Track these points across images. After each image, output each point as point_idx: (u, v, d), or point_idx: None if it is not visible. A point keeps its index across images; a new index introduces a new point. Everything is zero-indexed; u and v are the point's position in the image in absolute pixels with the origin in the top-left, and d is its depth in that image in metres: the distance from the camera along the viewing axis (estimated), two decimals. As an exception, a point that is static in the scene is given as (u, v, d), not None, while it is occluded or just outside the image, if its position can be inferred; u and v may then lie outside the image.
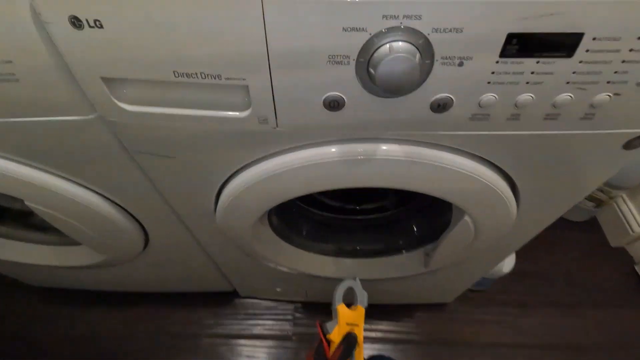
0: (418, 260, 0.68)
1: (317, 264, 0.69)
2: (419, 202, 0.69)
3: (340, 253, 0.71)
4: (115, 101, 0.36)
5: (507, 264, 0.96)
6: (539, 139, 0.38)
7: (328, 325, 0.53)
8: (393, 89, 0.30)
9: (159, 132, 0.40)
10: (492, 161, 0.42)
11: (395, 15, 0.28)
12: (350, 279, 0.55)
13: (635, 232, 1.11)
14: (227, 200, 0.48)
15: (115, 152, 0.44)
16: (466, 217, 0.49)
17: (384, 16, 0.28)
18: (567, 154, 0.41)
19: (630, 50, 0.30)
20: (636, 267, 1.12)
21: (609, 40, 0.29)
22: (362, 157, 0.40)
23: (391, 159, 0.40)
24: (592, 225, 1.23)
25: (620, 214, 1.14)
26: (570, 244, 1.19)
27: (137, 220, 0.62)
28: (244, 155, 0.43)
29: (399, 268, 0.70)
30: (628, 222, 1.12)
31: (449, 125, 0.37)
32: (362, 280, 0.73)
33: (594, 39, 0.29)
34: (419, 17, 0.28)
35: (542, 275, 1.14)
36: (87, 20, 0.29)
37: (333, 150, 0.40)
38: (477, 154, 0.41)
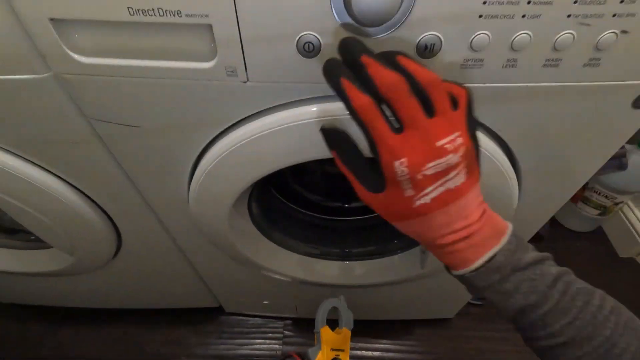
0: (413, 261, 0.62)
1: (303, 266, 0.63)
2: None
3: (329, 255, 0.65)
4: (67, 50, 0.32)
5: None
6: (540, 94, 0.34)
7: (310, 352, 0.46)
8: (370, 16, 0.27)
9: (120, 92, 0.36)
10: (488, 125, 0.38)
11: None
12: (335, 298, 0.50)
13: (645, 241, 1.05)
14: (199, 179, 0.43)
15: (74, 123, 0.40)
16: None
17: None
18: (570, 114, 0.37)
19: (638, -29, 0.26)
20: (649, 279, 1.05)
21: (612, -42, 0.26)
22: (344, 115, 0.35)
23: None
24: (598, 236, 1.17)
25: (628, 223, 1.09)
26: (577, 255, 1.13)
27: (106, 215, 0.57)
28: (214, 120, 0.38)
29: (393, 271, 0.64)
30: (636, 231, 1.07)
31: (439, 74, 0.33)
32: (355, 287, 0.67)
33: (595, -44, 0.26)
34: None
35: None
36: (28, -57, 0.26)
37: (312, 109, 0.36)
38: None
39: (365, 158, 0.30)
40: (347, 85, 0.25)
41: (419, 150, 0.25)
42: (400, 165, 0.26)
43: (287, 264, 0.61)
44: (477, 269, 0.29)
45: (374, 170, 0.28)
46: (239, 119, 0.38)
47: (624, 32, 0.30)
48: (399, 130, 0.26)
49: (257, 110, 0.37)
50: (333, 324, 0.49)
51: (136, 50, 0.33)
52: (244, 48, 0.31)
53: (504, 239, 0.29)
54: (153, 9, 0.29)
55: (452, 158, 0.26)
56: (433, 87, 0.25)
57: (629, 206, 1.10)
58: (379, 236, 0.65)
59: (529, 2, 0.28)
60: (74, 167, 0.47)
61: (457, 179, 0.27)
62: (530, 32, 0.29)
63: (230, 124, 0.39)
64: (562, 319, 0.28)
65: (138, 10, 0.29)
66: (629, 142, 1.00)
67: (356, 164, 0.30)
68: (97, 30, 0.32)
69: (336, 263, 0.64)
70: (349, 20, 0.28)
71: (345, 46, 0.26)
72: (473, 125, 0.28)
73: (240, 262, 0.61)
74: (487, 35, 0.30)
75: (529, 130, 0.39)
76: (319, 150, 0.38)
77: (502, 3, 0.28)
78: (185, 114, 0.38)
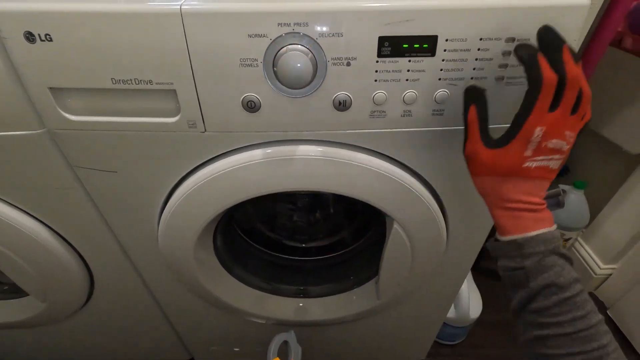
0: (370, 293, 0.68)
1: (261, 302, 0.67)
2: (367, 241, 0.72)
3: (287, 293, 0.69)
4: (61, 111, 0.41)
5: (474, 308, 0.94)
6: (435, 135, 0.44)
7: None
8: (292, 81, 0.37)
9: (101, 143, 0.44)
10: (402, 161, 0.47)
11: (287, 23, 0.35)
12: (285, 332, 0.54)
13: (599, 275, 1.12)
14: (167, 217, 0.50)
15: (60, 170, 0.48)
16: (395, 225, 0.52)
17: (279, 24, 0.35)
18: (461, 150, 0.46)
19: (479, 49, 0.37)
20: (609, 312, 1.10)
21: (458, 41, 0.37)
22: (284, 157, 0.44)
23: (310, 159, 0.44)
24: (558, 273, 1.23)
25: (581, 259, 1.17)
26: (540, 292, 1.17)
27: (80, 257, 0.61)
28: (180, 163, 0.46)
29: (351, 306, 0.69)
30: (589, 266, 1.14)
31: (354, 123, 0.42)
32: (313, 324, 0.70)
33: (446, 40, 0.37)
34: (306, 24, 0.35)
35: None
36: (39, 35, 0.36)
37: (258, 152, 0.44)
38: (389, 154, 0.46)
39: (487, 119, 0.37)
40: (542, 60, 0.32)
41: (555, 128, 0.34)
42: (540, 131, 0.33)
43: (246, 300, 0.65)
44: (532, 237, 0.35)
45: (488, 133, 0.37)
46: (201, 162, 0.46)
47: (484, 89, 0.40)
48: (553, 110, 0.33)
49: (215, 155, 0.45)
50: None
51: (116, 109, 0.41)
52: (201, 106, 0.40)
53: (555, 226, 0.36)
54: (131, 79, 0.38)
55: (564, 146, 0.35)
56: (586, 98, 0.34)
57: (579, 243, 1.18)
58: (336, 274, 0.70)
59: (408, 70, 0.38)
60: (52, 210, 0.53)
61: (555, 163, 0.36)
62: (415, 91, 0.40)
63: (193, 167, 0.47)
64: (576, 311, 0.33)
65: (119, 80, 0.38)
66: (565, 182, 1.12)
67: (483, 119, 0.37)
68: (85, 95, 0.40)
69: (294, 300, 0.68)
70: (279, 84, 0.38)
71: (549, 31, 0.33)
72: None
73: (205, 299, 0.64)
74: (384, 93, 0.40)
75: (445, 170, 0.48)
76: (266, 187, 0.46)
77: (389, 71, 0.38)
78: (155, 160, 0.46)
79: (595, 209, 1.11)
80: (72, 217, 0.54)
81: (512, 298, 0.38)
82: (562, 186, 1.02)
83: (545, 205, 0.37)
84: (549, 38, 0.33)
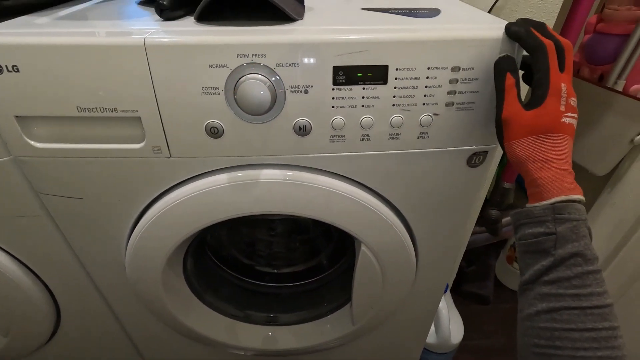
0: (345, 319, 0.67)
1: (232, 330, 0.65)
2: (341, 267, 0.72)
3: (260, 321, 0.68)
4: (26, 139, 0.42)
5: (455, 333, 0.93)
6: (393, 158, 0.46)
7: None
8: (252, 107, 0.38)
9: (67, 169, 0.45)
10: (364, 183, 0.48)
11: (246, 54, 0.37)
12: None
13: (578, 296, 1.12)
14: (134, 241, 0.50)
15: (25, 198, 0.48)
16: (363, 247, 0.52)
17: (238, 55, 0.37)
18: (426, 174, 0.48)
19: (427, 77, 0.40)
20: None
21: (407, 70, 0.39)
22: (249, 181, 0.45)
23: (274, 182, 0.45)
24: (540, 295, 1.24)
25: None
26: (523, 315, 1.17)
27: (47, 288, 0.59)
28: (146, 189, 0.47)
29: (325, 332, 0.68)
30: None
31: (315, 147, 0.44)
32: (289, 353, 0.68)
33: (397, 69, 0.39)
34: (264, 56, 0.38)
35: (504, 351, 1.09)
36: (6, 66, 0.37)
37: (223, 177, 0.45)
38: (351, 177, 0.47)
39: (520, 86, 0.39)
40: (536, 32, 0.36)
41: (570, 87, 0.37)
42: (564, 87, 0.36)
43: (217, 328, 0.64)
44: (574, 199, 0.34)
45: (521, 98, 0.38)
46: (167, 187, 0.47)
47: (435, 114, 0.43)
48: (562, 71, 0.36)
49: (181, 180, 0.46)
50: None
51: (82, 136, 0.42)
52: (166, 133, 0.41)
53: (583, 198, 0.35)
54: (96, 107, 0.40)
55: (575, 102, 0.37)
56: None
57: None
58: (310, 301, 0.69)
59: (363, 97, 0.41)
60: (15, 238, 0.52)
61: (575, 122, 0.37)
62: (371, 116, 0.42)
63: (159, 192, 0.47)
64: (596, 286, 0.32)
65: (85, 108, 0.40)
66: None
67: (518, 85, 0.38)
68: (51, 123, 0.41)
69: (266, 328, 0.67)
70: (240, 111, 0.40)
71: (525, 20, 0.38)
72: None
73: (175, 328, 0.63)
74: (342, 119, 0.42)
75: (408, 191, 0.50)
76: (232, 210, 0.47)
77: (345, 98, 0.40)
78: (121, 186, 0.46)
79: (570, 230, 1.13)
80: (37, 246, 0.54)
81: (527, 269, 0.36)
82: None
83: None
84: (530, 22, 0.37)
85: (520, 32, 0.37)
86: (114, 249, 0.53)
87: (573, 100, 0.37)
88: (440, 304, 0.91)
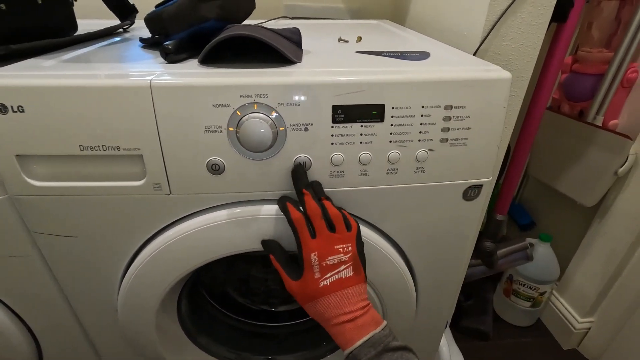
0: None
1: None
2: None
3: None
4: (25, 177, 0.42)
5: (457, 372, 0.90)
6: (392, 192, 0.46)
7: None
8: (254, 145, 0.39)
9: (64, 207, 0.44)
10: (363, 217, 0.49)
11: (249, 95, 0.39)
12: None
13: (578, 330, 1.11)
14: (129, 280, 0.48)
15: (18, 237, 0.46)
16: (363, 282, 0.52)
17: (241, 95, 0.39)
18: (423, 208, 0.49)
19: (422, 115, 0.42)
20: (594, 370, 1.07)
21: (403, 108, 0.41)
22: (249, 217, 0.45)
23: (274, 218, 0.45)
24: (541, 329, 1.21)
25: (559, 313, 1.16)
26: (524, 350, 1.14)
27: (30, 332, 0.57)
28: (144, 226, 0.46)
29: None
30: (568, 321, 1.13)
31: (314, 179, 0.44)
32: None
33: (393, 107, 0.41)
34: (266, 96, 0.39)
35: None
36: (11, 107, 0.38)
37: (223, 213, 0.45)
38: (350, 212, 0.48)
39: (291, 260, 0.44)
40: (290, 206, 0.42)
41: (324, 249, 0.41)
42: (314, 256, 0.41)
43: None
44: (360, 345, 0.39)
45: (296, 266, 0.43)
46: (165, 224, 0.46)
47: (431, 150, 0.44)
48: (314, 237, 0.41)
49: (180, 217, 0.46)
50: None
51: (81, 174, 0.42)
52: (167, 170, 0.42)
53: (381, 327, 0.41)
54: (98, 146, 0.40)
55: (342, 257, 0.42)
56: (335, 217, 0.42)
57: (555, 296, 1.19)
58: (308, 341, 0.67)
59: (361, 134, 0.42)
60: (2, 280, 0.50)
61: (347, 272, 0.42)
62: (369, 152, 0.43)
63: (157, 229, 0.47)
64: None
65: (87, 147, 0.40)
66: (533, 236, 1.16)
67: (284, 261, 0.45)
68: (51, 161, 0.41)
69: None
70: (242, 148, 0.41)
71: (294, 178, 0.43)
72: (361, 245, 0.44)
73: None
74: (341, 155, 0.43)
75: (406, 225, 0.50)
76: (232, 247, 0.46)
77: (344, 135, 0.42)
78: (118, 224, 0.46)
79: (564, 261, 1.14)
80: (24, 287, 0.52)
81: None
82: (529, 239, 1.05)
83: (367, 308, 0.42)
84: (296, 186, 0.43)
85: (280, 208, 0.43)
86: (106, 290, 0.51)
87: (330, 260, 0.41)
88: (442, 340, 0.88)
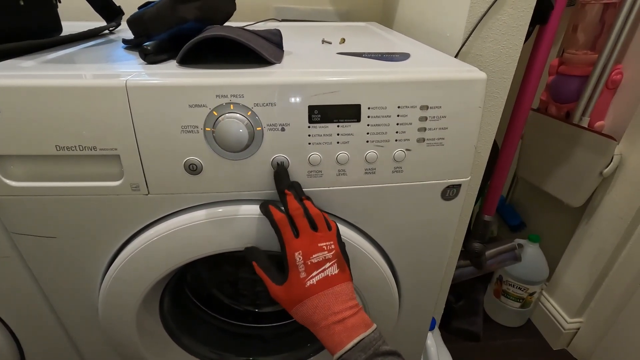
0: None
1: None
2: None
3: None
4: (1, 177, 0.42)
5: (445, 373, 0.90)
6: (370, 192, 0.47)
7: None
8: (230, 144, 0.39)
9: (42, 208, 0.44)
10: (342, 217, 0.49)
11: (225, 95, 0.39)
12: None
13: (567, 330, 1.11)
14: (109, 280, 0.48)
15: (-3, 238, 0.46)
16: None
17: (217, 95, 0.39)
18: (402, 207, 0.49)
19: (398, 115, 0.42)
20: (583, 370, 1.08)
21: (379, 108, 0.42)
22: (227, 217, 0.45)
23: (252, 218, 0.45)
24: (531, 329, 1.22)
25: (548, 313, 1.17)
26: (515, 351, 1.15)
27: (10, 333, 0.56)
28: (123, 226, 0.46)
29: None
30: (557, 321, 1.14)
31: (294, 180, 0.45)
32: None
33: (369, 108, 0.42)
34: (242, 96, 0.39)
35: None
36: (-14, 107, 0.38)
37: (201, 213, 0.45)
38: (329, 211, 0.48)
39: (273, 265, 0.44)
40: (272, 208, 0.43)
41: (308, 247, 0.41)
42: (298, 255, 0.40)
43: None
44: (350, 349, 0.38)
45: (280, 271, 0.42)
46: (144, 225, 0.46)
47: (408, 149, 0.44)
48: (297, 236, 0.41)
49: (158, 217, 0.46)
50: None
51: (58, 174, 0.42)
52: (144, 170, 0.42)
53: (371, 329, 0.40)
54: (75, 146, 0.40)
55: (327, 254, 0.41)
56: (316, 216, 0.42)
57: (545, 297, 1.19)
58: (291, 343, 0.67)
59: (338, 134, 0.42)
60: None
61: (332, 269, 0.41)
62: (346, 152, 0.43)
63: (136, 230, 0.47)
64: None
65: (63, 147, 0.40)
66: (522, 236, 1.16)
67: (267, 267, 0.44)
68: (28, 161, 0.41)
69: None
70: (219, 148, 0.41)
71: (277, 179, 0.43)
72: (342, 245, 0.43)
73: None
74: (318, 155, 0.43)
75: (386, 225, 0.50)
76: (211, 247, 0.47)
77: (321, 135, 0.42)
78: (96, 224, 0.46)
79: (553, 262, 1.14)
80: (4, 289, 0.51)
81: None
82: (518, 240, 1.06)
83: (357, 309, 0.41)
84: (278, 186, 0.43)
85: (262, 210, 0.44)
86: (87, 290, 0.51)
87: (315, 257, 0.41)
88: (429, 341, 0.88)
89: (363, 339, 0.38)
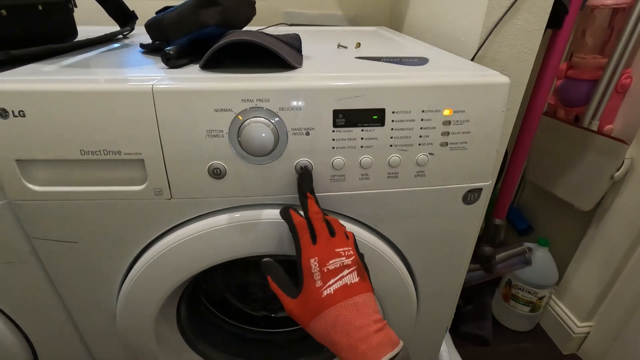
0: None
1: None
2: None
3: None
4: (25, 182, 0.41)
5: (458, 378, 0.89)
6: (392, 196, 0.47)
7: None
8: (255, 149, 0.39)
9: (64, 212, 0.44)
10: (364, 222, 0.49)
11: (251, 99, 0.39)
12: None
13: (577, 334, 1.11)
14: (128, 285, 0.48)
15: (16, 243, 0.46)
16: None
17: (243, 100, 0.39)
18: (423, 211, 0.49)
19: (422, 120, 0.42)
20: (594, 375, 1.07)
21: (403, 113, 0.42)
22: (250, 221, 0.45)
23: (275, 222, 0.45)
24: (540, 333, 1.21)
25: (558, 318, 1.16)
26: (524, 356, 1.14)
27: (26, 339, 0.56)
28: (144, 231, 0.46)
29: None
30: (567, 325, 1.13)
31: (317, 186, 0.44)
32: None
33: (393, 112, 0.42)
34: (268, 100, 0.39)
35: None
36: (12, 111, 0.38)
37: (224, 217, 0.45)
38: (350, 215, 0.48)
39: (288, 278, 0.42)
40: (292, 211, 0.42)
41: (324, 253, 0.38)
42: (314, 262, 0.38)
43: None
44: None
45: (296, 285, 0.39)
46: (166, 229, 0.46)
47: (431, 154, 0.44)
48: (315, 243, 0.39)
49: (180, 221, 0.46)
50: None
51: (81, 179, 0.42)
52: (168, 174, 0.42)
53: (398, 347, 0.35)
54: (99, 150, 0.40)
55: (344, 260, 0.38)
56: (334, 222, 0.42)
57: (554, 301, 1.19)
58: (307, 347, 0.66)
59: (362, 139, 0.42)
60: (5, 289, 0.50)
61: (351, 277, 0.38)
62: (370, 156, 0.43)
63: (157, 234, 0.46)
64: None
65: (88, 151, 0.40)
66: (530, 240, 1.16)
67: (282, 281, 0.41)
68: (52, 166, 0.41)
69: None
70: (243, 152, 0.41)
71: (300, 181, 0.42)
72: (361, 255, 0.41)
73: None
74: (342, 159, 0.43)
75: (407, 229, 0.50)
76: (233, 251, 0.46)
77: (345, 139, 0.42)
78: (118, 229, 0.45)
79: (563, 265, 1.14)
80: (21, 294, 0.51)
81: None
82: (527, 244, 1.05)
83: (382, 324, 0.36)
84: (300, 188, 0.42)
85: (282, 215, 0.43)
86: (105, 296, 0.51)
87: (331, 263, 0.38)
88: (442, 347, 0.88)
89: (394, 356, 0.34)
